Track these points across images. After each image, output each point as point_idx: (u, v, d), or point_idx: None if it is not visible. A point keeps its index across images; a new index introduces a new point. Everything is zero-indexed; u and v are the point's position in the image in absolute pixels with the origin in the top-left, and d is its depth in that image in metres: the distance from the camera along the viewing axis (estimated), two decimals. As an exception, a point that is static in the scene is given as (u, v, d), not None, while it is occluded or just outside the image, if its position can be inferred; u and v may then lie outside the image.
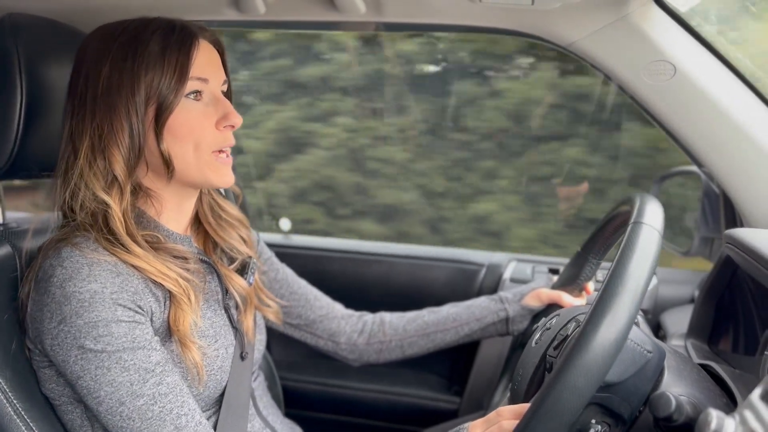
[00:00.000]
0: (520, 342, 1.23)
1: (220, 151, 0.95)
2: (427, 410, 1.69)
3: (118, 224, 0.88)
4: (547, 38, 1.25)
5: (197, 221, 1.06)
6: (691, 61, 1.17)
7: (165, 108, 0.89)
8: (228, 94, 1.00)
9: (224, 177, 0.96)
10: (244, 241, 1.10)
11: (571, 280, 1.21)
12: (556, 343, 0.85)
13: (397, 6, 1.20)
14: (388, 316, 1.28)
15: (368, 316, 1.29)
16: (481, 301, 1.25)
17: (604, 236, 1.12)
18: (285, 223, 1.92)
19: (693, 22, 1.17)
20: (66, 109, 0.94)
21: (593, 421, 0.77)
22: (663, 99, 1.21)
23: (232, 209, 1.11)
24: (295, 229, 2.42)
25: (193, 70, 0.90)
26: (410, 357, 1.27)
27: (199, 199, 1.05)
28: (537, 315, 1.20)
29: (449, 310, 1.26)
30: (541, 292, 1.22)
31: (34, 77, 0.97)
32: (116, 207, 0.89)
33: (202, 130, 0.92)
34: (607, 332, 0.69)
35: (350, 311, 1.29)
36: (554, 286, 1.24)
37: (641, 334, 0.81)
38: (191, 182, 0.95)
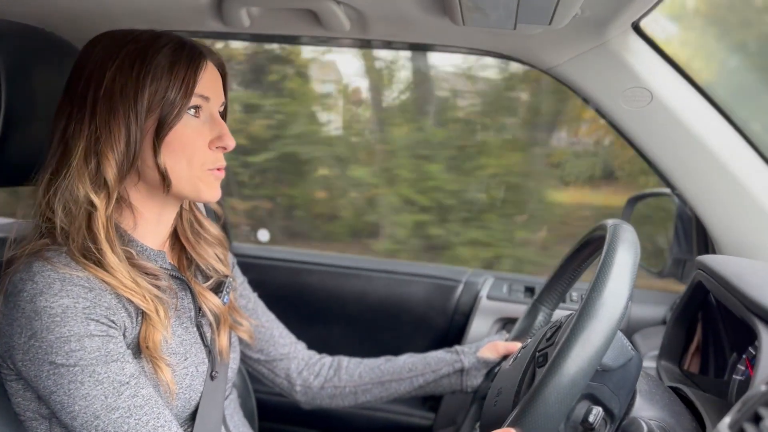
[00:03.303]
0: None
1: (218, 169, 0.96)
2: (401, 425, 1.70)
3: (101, 227, 0.88)
4: (529, 61, 1.28)
5: (174, 236, 1.06)
6: (667, 89, 1.20)
7: (167, 122, 0.89)
8: (224, 117, 1.01)
9: (213, 191, 0.96)
10: (220, 260, 1.10)
11: (525, 332, 1.22)
12: (548, 335, 0.87)
13: (381, 25, 1.21)
14: (345, 361, 1.27)
15: (326, 359, 1.27)
16: (438, 353, 1.25)
17: (560, 285, 1.16)
18: (263, 234, 1.92)
19: (670, 51, 1.20)
20: (61, 109, 0.93)
21: (591, 407, 0.78)
22: (639, 124, 1.24)
23: (212, 227, 1.11)
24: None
25: (199, 86, 0.91)
26: (363, 404, 1.25)
27: (179, 215, 1.05)
28: (491, 369, 1.20)
29: (406, 359, 1.25)
30: (497, 343, 1.22)
31: (16, 84, 0.96)
32: (102, 209, 0.88)
33: (195, 147, 0.92)
34: (611, 298, 0.73)
35: (311, 352, 1.28)
36: (509, 339, 1.24)
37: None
38: (182, 195, 0.95)
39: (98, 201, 0.88)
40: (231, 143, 0.95)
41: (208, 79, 0.94)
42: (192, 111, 0.92)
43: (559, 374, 0.71)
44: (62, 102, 0.93)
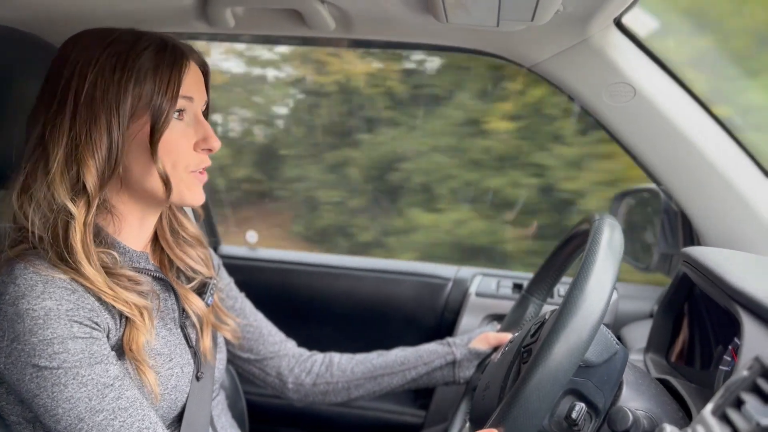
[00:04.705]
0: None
1: (201, 172, 0.95)
2: (392, 424, 1.70)
3: (78, 237, 0.85)
4: (512, 58, 1.28)
5: (155, 237, 1.05)
6: (650, 84, 1.21)
7: (157, 127, 0.87)
8: (206, 116, 1.00)
9: (197, 195, 0.96)
10: (202, 260, 1.08)
11: (515, 324, 1.22)
12: (533, 331, 0.87)
13: (365, 24, 1.22)
14: (337, 357, 1.27)
15: (318, 356, 1.27)
16: (430, 345, 1.25)
17: (550, 275, 1.16)
18: (251, 236, 1.91)
19: (652, 46, 1.21)
20: (37, 112, 0.90)
21: (574, 403, 0.79)
22: (623, 119, 1.25)
23: (191, 226, 1.09)
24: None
25: (183, 87, 0.90)
26: (356, 399, 1.25)
27: (159, 216, 1.04)
28: (483, 360, 1.21)
29: (398, 353, 1.25)
30: (488, 334, 1.23)
31: None
32: (80, 218, 0.86)
33: (180, 150, 0.91)
34: (592, 295, 0.73)
35: (302, 350, 1.28)
36: (500, 330, 1.25)
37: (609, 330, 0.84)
38: (164, 198, 0.93)
39: (76, 210, 0.86)
40: (216, 144, 0.94)
41: (192, 80, 0.93)
42: (176, 114, 0.91)
43: (540, 371, 0.71)
44: (38, 105, 0.91)
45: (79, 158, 0.87)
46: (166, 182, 0.90)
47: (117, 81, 0.86)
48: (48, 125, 0.88)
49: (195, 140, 0.93)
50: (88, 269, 0.85)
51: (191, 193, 0.95)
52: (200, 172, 0.96)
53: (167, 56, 0.89)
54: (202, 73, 0.98)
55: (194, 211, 1.17)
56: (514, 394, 0.73)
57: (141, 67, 0.87)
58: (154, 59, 0.88)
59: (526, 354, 0.84)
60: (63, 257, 0.85)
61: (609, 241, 0.80)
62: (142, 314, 0.89)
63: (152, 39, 0.91)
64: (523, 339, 0.88)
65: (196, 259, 1.07)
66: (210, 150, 0.94)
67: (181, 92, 0.90)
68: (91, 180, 0.87)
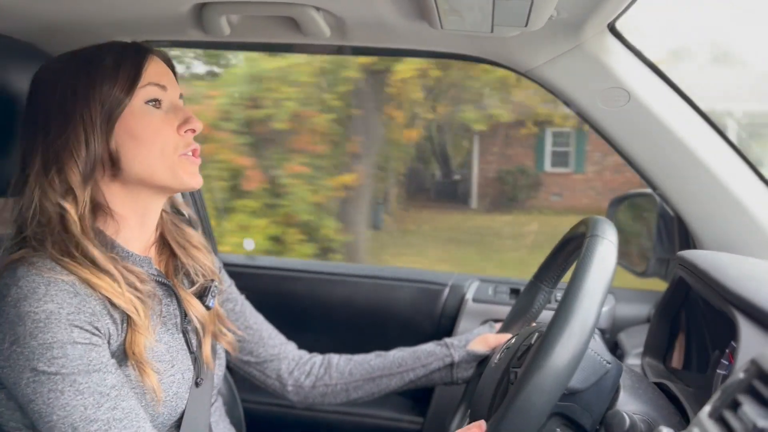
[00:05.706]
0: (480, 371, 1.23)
1: (193, 154, 0.98)
2: (389, 430, 1.69)
3: (74, 226, 0.88)
4: (506, 64, 1.29)
5: (162, 242, 1.06)
6: (644, 89, 1.21)
7: (117, 108, 0.92)
8: None
9: (194, 177, 0.98)
10: (209, 267, 1.10)
11: (524, 311, 1.20)
12: (519, 353, 0.87)
13: (360, 31, 1.22)
14: (335, 359, 1.27)
15: (317, 358, 1.28)
16: (428, 347, 1.25)
17: (558, 263, 1.13)
18: (249, 243, 1.91)
19: (645, 51, 1.22)
20: (23, 126, 0.95)
21: (557, 430, 0.79)
22: (618, 124, 1.25)
23: (195, 235, 1.11)
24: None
25: (149, 76, 0.94)
26: (355, 401, 1.25)
27: (166, 221, 1.05)
28: (482, 361, 1.20)
29: (396, 354, 1.25)
30: (487, 336, 1.23)
31: None
32: (72, 211, 0.89)
33: (163, 134, 0.95)
34: (572, 332, 0.72)
35: (301, 352, 1.28)
36: (508, 317, 1.23)
37: (600, 346, 0.83)
38: (163, 185, 0.96)
39: (67, 204, 0.89)
40: (198, 125, 0.98)
41: (159, 71, 0.97)
42: (153, 103, 0.95)
43: (522, 399, 0.71)
44: (24, 122, 0.96)
45: (59, 161, 0.90)
46: (114, 161, 0.93)
47: (84, 83, 0.92)
48: (28, 137, 0.94)
49: (177, 123, 0.97)
50: (93, 251, 0.88)
51: (188, 175, 0.97)
52: (193, 155, 0.98)
53: (128, 52, 0.95)
54: (171, 70, 1.02)
55: (190, 219, 1.17)
56: (499, 419, 0.73)
57: (105, 66, 0.93)
58: (116, 58, 0.94)
59: (513, 376, 0.84)
60: (66, 249, 0.87)
61: (598, 266, 0.77)
62: (137, 309, 0.90)
63: (115, 44, 0.97)
64: (511, 360, 0.87)
65: (203, 263, 1.09)
66: (193, 131, 0.98)
67: (151, 80, 0.94)
68: (75, 179, 0.90)
